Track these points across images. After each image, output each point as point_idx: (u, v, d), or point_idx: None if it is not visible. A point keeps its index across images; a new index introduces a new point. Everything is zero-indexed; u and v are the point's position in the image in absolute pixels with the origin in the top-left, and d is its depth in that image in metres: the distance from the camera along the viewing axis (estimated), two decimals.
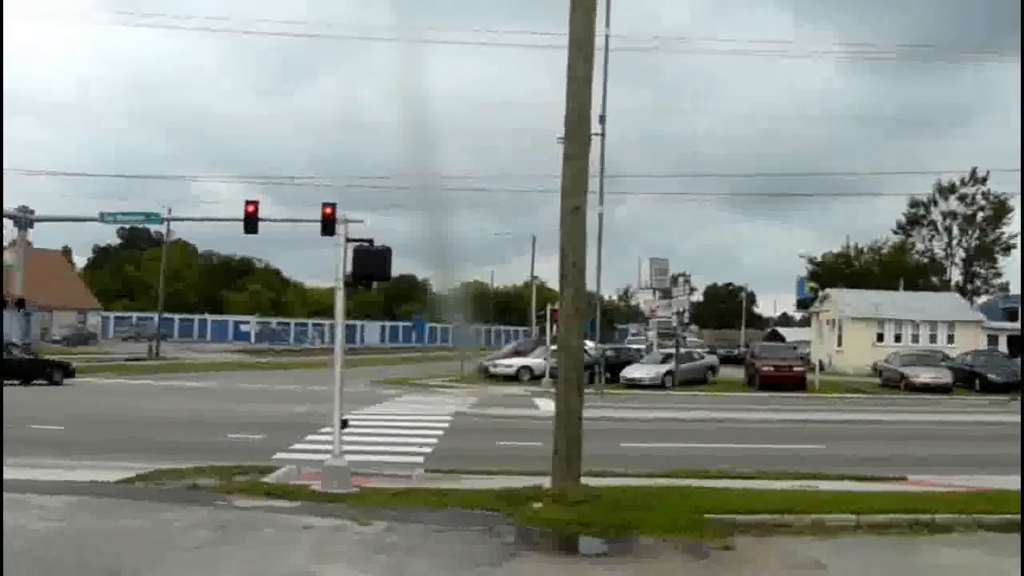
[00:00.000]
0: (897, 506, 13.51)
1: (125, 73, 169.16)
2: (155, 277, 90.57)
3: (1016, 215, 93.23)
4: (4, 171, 33.67)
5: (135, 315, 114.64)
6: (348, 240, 15.11)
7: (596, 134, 32.05)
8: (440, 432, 25.25)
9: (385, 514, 12.88)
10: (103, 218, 52.20)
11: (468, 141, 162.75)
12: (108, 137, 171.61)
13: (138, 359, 67.87)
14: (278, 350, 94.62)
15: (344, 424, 15.13)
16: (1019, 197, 40.72)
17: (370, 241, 15.20)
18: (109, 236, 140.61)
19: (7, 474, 15.87)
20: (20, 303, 52.27)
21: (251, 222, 42.66)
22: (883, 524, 12.76)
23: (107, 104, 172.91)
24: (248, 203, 42.66)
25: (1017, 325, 68.18)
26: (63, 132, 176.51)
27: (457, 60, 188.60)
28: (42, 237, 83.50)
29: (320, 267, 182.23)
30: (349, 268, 15.15)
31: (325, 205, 38.95)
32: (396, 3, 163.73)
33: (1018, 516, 12.65)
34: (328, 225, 38.41)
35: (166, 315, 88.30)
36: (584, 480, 14.42)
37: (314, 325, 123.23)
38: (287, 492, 14.36)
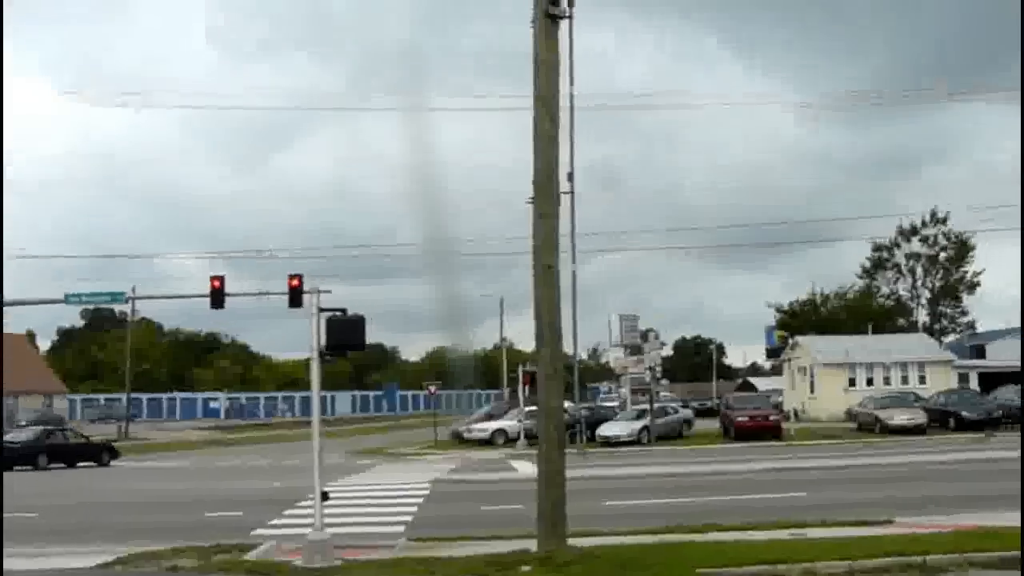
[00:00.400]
0: (888, 549, 13.42)
1: (93, 150, 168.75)
2: (121, 357, 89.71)
3: (977, 254, 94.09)
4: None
5: (103, 396, 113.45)
6: (321, 310, 14.98)
7: (566, 192, 32.06)
8: (420, 500, 24.98)
9: None
10: (68, 299, 51.28)
11: (445, 206, 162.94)
12: (73, 215, 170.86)
13: (108, 441, 67.03)
14: (249, 425, 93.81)
15: (325, 497, 14.90)
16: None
17: (343, 310, 15.07)
18: (73, 318, 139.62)
19: None
20: None
21: (217, 297, 42.29)
22: (876, 569, 12.67)
23: (74, 182, 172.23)
24: (213, 278, 41.99)
25: (986, 363, 68.56)
26: (26, 211, 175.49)
27: (432, 125, 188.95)
28: (5, 320, 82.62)
29: (290, 340, 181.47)
30: (323, 339, 15.01)
31: (291, 276, 38.68)
32: (359, 70, 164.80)
33: (1011, 552, 12.57)
34: (295, 296, 38.20)
35: (134, 395, 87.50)
36: (571, 540, 14.25)
37: (284, 398, 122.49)
38: (269, 569, 14.11)
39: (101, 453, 45.09)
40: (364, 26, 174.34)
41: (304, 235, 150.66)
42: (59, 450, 43.59)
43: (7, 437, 44.33)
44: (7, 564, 15.52)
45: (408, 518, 21.34)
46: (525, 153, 14.57)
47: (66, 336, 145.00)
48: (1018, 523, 13.97)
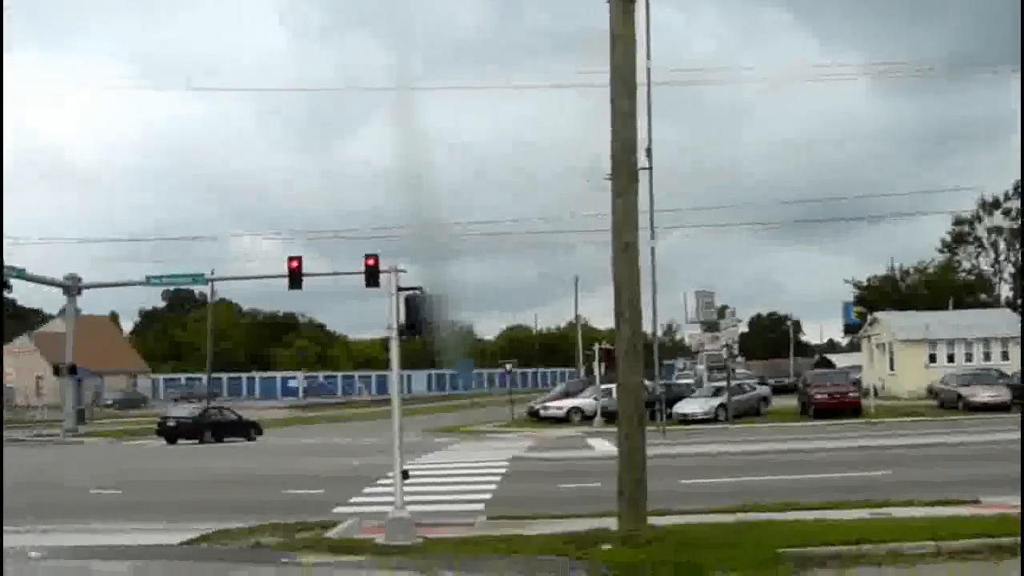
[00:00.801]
0: (976, 530, 13.17)
1: (162, 137, 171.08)
2: (202, 338, 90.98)
3: None
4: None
5: (184, 376, 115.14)
6: (399, 289, 14.99)
7: (644, 168, 31.84)
8: (498, 478, 25.02)
9: (452, 564, 12.68)
10: (149, 281, 52.77)
11: (508, 184, 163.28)
12: (150, 202, 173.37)
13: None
14: (326, 404, 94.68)
15: (405, 475, 14.94)
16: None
17: (420, 289, 15.08)
18: (155, 299, 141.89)
19: (67, 540, 15.90)
20: (72, 369, 52.65)
21: (295, 278, 42.79)
22: (964, 550, 12.44)
23: (150, 167, 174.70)
24: (291, 259, 42.78)
25: None
26: (104, 199, 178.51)
27: (496, 104, 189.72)
28: (90, 303, 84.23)
29: (364, 319, 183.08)
30: (401, 317, 15.02)
31: (367, 256, 39.00)
32: (428, 52, 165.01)
33: None
34: (372, 276, 38.50)
35: (215, 375, 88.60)
36: (650, 519, 14.17)
37: (361, 377, 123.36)
38: (351, 546, 14.19)
39: (249, 429, 48.35)
40: (434, 6, 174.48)
41: (377, 215, 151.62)
42: (218, 426, 47.18)
43: (172, 413, 50.81)
44: (96, 539, 15.84)
45: (487, 496, 21.38)
46: (600, 130, 14.47)
47: (148, 317, 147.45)
48: None
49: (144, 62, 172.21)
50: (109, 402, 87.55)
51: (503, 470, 27.08)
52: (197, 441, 44.89)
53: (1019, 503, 15.51)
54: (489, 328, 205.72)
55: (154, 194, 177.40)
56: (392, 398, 15.51)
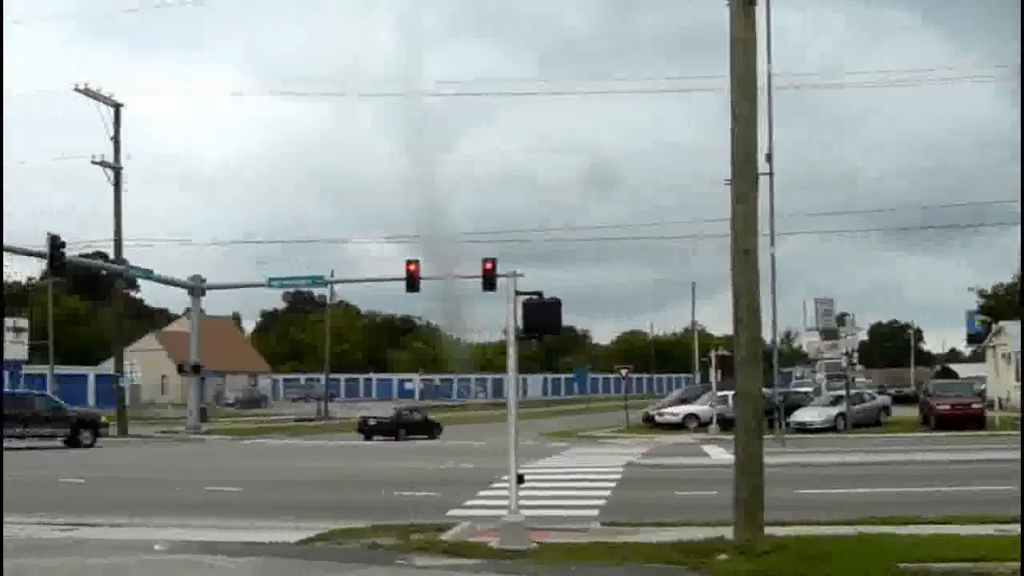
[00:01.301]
0: None
1: (284, 142, 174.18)
2: (321, 339, 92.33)
3: None
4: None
5: (303, 376, 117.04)
6: (517, 293, 14.99)
7: (764, 173, 31.40)
8: (612, 484, 24.90)
9: (565, 570, 12.66)
10: (270, 283, 53.77)
11: (628, 189, 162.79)
12: (272, 206, 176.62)
13: (308, 419, 69.09)
14: (442, 406, 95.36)
15: (520, 479, 14.94)
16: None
17: (539, 294, 15.06)
18: (276, 301, 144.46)
19: (188, 536, 16.23)
20: (196, 368, 53.85)
21: (412, 281, 43.26)
22: None
23: (269, 172, 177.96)
24: (409, 263, 43.35)
25: None
26: (228, 203, 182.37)
27: (612, 108, 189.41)
28: (213, 304, 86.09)
29: (479, 322, 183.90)
30: (519, 322, 15.02)
31: (485, 260, 39.24)
32: (545, 56, 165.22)
33: None
34: (489, 280, 38.78)
35: (332, 375, 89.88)
36: (767, 529, 13.96)
37: (477, 380, 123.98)
38: (465, 550, 14.23)
39: (432, 429, 52.25)
40: (548, 10, 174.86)
41: (490, 220, 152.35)
42: (408, 425, 51.58)
43: (372, 412, 55.64)
44: (215, 535, 16.16)
45: (601, 502, 21.29)
46: (719, 134, 14.34)
47: (269, 318, 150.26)
48: None
49: (265, 69, 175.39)
50: (230, 401, 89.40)
51: (617, 476, 26.96)
52: (393, 438, 49.10)
53: None
54: (605, 333, 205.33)
55: (276, 198, 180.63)
56: (509, 402, 15.53)
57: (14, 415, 39.88)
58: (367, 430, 50.75)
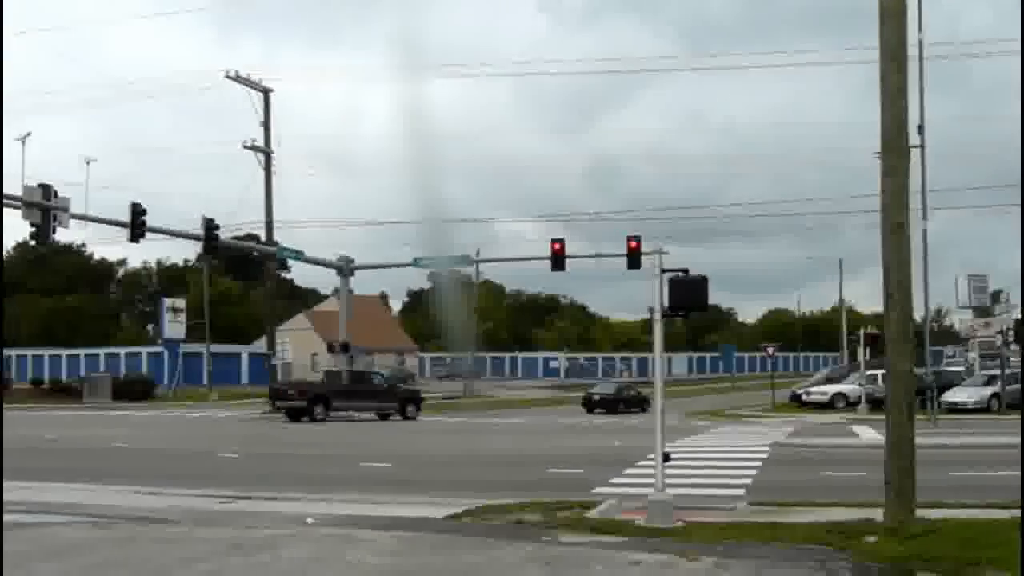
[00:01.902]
0: None
1: (427, 123, 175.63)
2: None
3: None
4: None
5: (449, 355, 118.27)
6: (663, 271, 14.91)
7: (915, 146, 30.63)
8: (759, 463, 24.66)
9: (712, 549, 12.57)
10: (417, 263, 54.38)
11: (770, 166, 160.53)
12: (417, 186, 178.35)
13: (454, 397, 69.86)
14: (587, 384, 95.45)
15: (666, 457, 14.90)
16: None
17: (685, 271, 14.95)
18: (422, 280, 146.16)
19: (338, 510, 16.61)
20: (345, 347, 54.87)
21: (558, 260, 43.41)
22: None
23: (411, 153, 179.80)
24: (554, 241, 43.45)
25: None
26: (374, 184, 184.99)
27: (754, 84, 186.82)
28: (361, 284, 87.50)
29: (624, 301, 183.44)
30: (665, 300, 14.94)
31: (630, 239, 39.19)
32: (687, 32, 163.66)
33: None
34: (634, 258, 38.71)
35: (478, 354, 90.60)
36: (918, 511, 13.67)
37: (621, 359, 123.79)
38: (611, 527, 14.26)
39: (643, 404, 53.84)
40: None
41: (632, 198, 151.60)
42: (627, 400, 55.79)
43: (597, 389, 59.02)
44: (365, 510, 16.50)
45: (747, 481, 21.09)
46: (868, 108, 14.02)
47: (415, 298, 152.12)
48: None
49: (409, 50, 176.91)
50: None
51: (764, 455, 26.67)
52: (613, 413, 52.80)
53: None
54: (750, 311, 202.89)
55: (420, 179, 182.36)
56: (655, 380, 15.49)
57: (361, 390, 47.93)
58: (590, 404, 54.80)
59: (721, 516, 15.24)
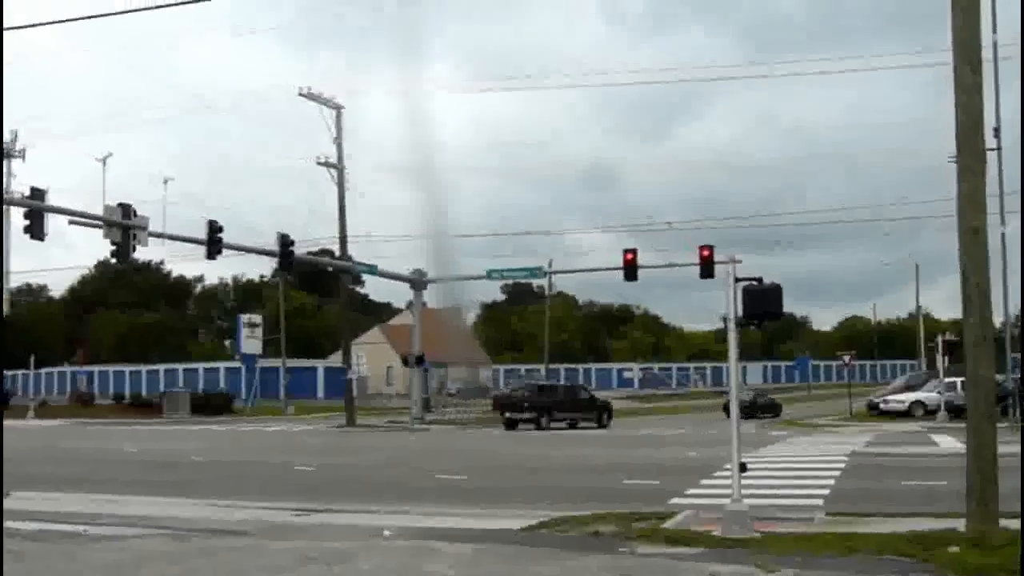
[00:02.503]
0: None
1: (495, 134, 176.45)
2: (540, 329, 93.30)
3: None
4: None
5: (523, 367, 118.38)
6: (736, 279, 14.80)
7: (991, 149, 30.15)
8: (836, 472, 24.37)
9: (791, 560, 12.43)
10: (490, 275, 54.61)
11: (844, 170, 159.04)
12: (488, 198, 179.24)
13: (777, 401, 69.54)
14: (662, 395, 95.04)
15: (743, 468, 14.78)
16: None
17: (759, 279, 14.83)
18: (495, 293, 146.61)
19: (416, 522, 16.67)
20: (419, 359, 55.17)
21: (631, 270, 43.32)
22: None
23: (482, 164, 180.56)
24: (627, 252, 43.42)
25: None
26: (445, 197, 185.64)
27: (826, 87, 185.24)
28: (435, 297, 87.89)
29: (698, 310, 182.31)
30: (739, 308, 14.83)
31: (703, 248, 39.04)
32: (753, 39, 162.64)
33: None
34: (707, 267, 38.53)
35: (552, 365, 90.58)
36: (1002, 522, 13.42)
37: (695, 368, 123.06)
38: (687, 538, 14.15)
39: (778, 408, 60.98)
40: None
41: (702, 206, 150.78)
42: (762, 406, 60.56)
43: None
44: (441, 522, 16.55)
45: (825, 491, 20.85)
46: (943, 109, 13.83)
47: (489, 310, 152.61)
48: None
49: (476, 63, 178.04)
50: (452, 391, 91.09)
51: (842, 465, 26.36)
52: (751, 418, 54.11)
53: None
54: (825, 319, 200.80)
55: (491, 191, 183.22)
56: (731, 389, 15.39)
57: (572, 402, 53.71)
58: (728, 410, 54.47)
59: (799, 527, 15.07)
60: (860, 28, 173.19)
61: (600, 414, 52.98)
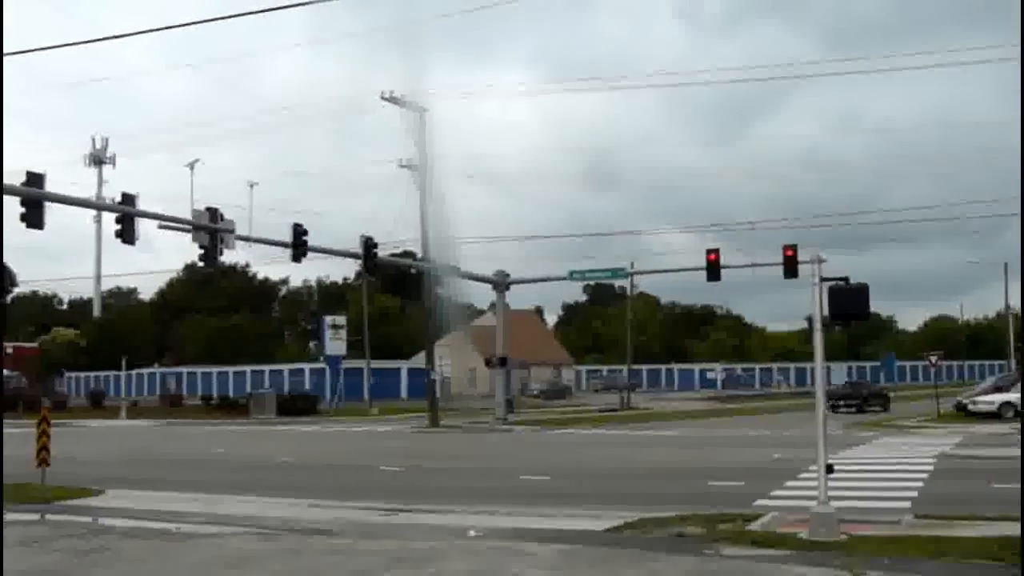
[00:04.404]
0: None
1: (575, 136, 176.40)
2: (622, 330, 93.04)
3: None
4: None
5: (605, 368, 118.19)
6: (822, 280, 14.74)
7: None
8: (924, 475, 24.09)
9: (878, 563, 12.40)
10: (572, 276, 54.63)
11: (930, 167, 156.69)
12: (569, 200, 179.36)
13: (611, 410, 69.75)
14: (745, 396, 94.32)
15: (829, 469, 14.73)
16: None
17: (845, 279, 14.74)
18: (577, 294, 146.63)
19: (500, 522, 16.83)
20: (502, 361, 55.36)
21: (713, 270, 43.12)
22: None
23: (560, 167, 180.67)
24: (710, 252, 43.24)
25: None
26: (526, 199, 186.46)
27: (910, 83, 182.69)
28: (517, 298, 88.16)
29: (781, 310, 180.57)
30: (824, 309, 14.76)
31: (786, 247, 38.72)
32: (831, 33, 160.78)
33: None
34: (791, 267, 38.22)
35: (634, 366, 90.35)
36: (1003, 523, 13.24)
37: (779, 369, 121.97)
38: (773, 540, 14.16)
39: (884, 400, 64.10)
40: None
41: (783, 206, 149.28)
42: (868, 397, 64.14)
43: (838, 390, 65.15)
44: (526, 522, 16.69)
45: (912, 494, 20.64)
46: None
47: (570, 311, 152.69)
48: None
49: (551, 65, 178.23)
50: (535, 392, 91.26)
51: (929, 467, 26.05)
52: (860, 412, 59.78)
53: None
54: (911, 319, 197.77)
55: (574, 193, 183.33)
56: (817, 390, 15.34)
57: (865, 394, 64.72)
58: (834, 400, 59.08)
59: (886, 529, 14.98)
60: (944, 20, 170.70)
61: (885, 402, 63.48)
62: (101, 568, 13.41)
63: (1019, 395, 48.89)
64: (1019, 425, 42.63)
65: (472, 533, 15.51)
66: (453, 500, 20.59)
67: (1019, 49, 13.93)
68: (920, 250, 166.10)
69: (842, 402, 61.17)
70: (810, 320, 15.04)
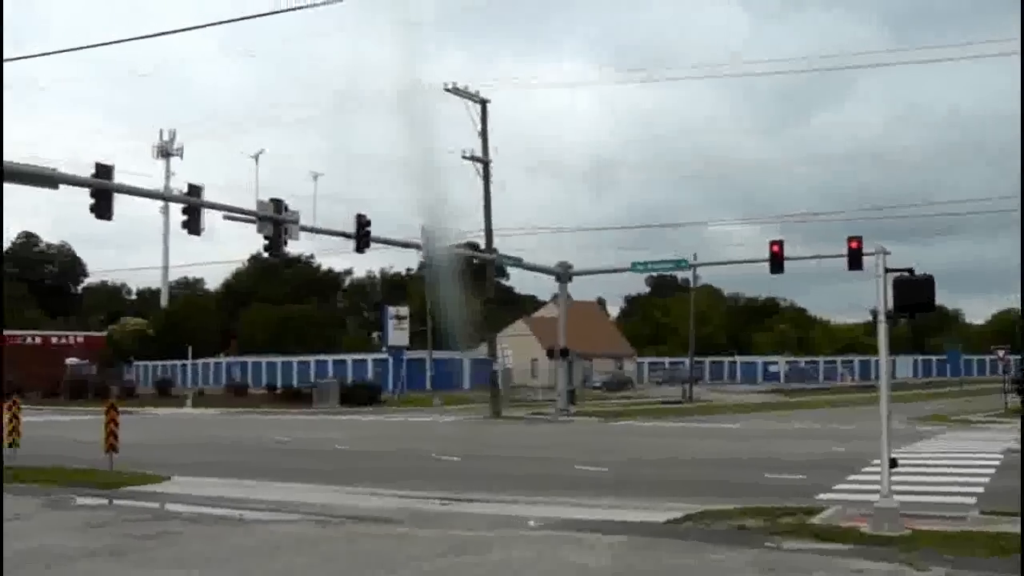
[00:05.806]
0: None
1: (638, 127, 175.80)
2: (684, 322, 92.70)
3: None
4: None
5: (667, 360, 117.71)
6: (887, 271, 14.58)
7: None
8: (991, 470, 23.78)
9: (942, 559, 12.25)
10: (634, 268, 54.49)
11: (998, 157, 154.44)
12: (632, 191, 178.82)
13: (673, 402, 69.53)
14: (808, 389, 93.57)
15: (893, 463, 14.59)
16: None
17: (910, 270, 14.57)
18: (639, 285, 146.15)
19: (558, 513, 16.86)
20: (564, 352, 55.36)
21: (777, 262, 42.84)
22: None
23: (627, 159, 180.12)
24: (773, 243, 42.96)
25: None
26: (588, 190, 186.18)
27: (977, 72, 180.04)
28: (579, 289, 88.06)
29: (844, 302, 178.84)
30: (889, 301, 14.60)
31: (851, 239, 38.39)
32: (892, 21, 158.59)
33: None
34: (855, 258, 37.85)
35: (697, 358, 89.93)
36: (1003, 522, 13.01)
37: (843, 361, 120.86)
38: (834, 534, 14.05)
39: None
40: None
41: (849, 195, 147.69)
42: None
43: None
44: (585, 513, 16.70)
45: (978, 489, 20.38)
46: None
47: (632, 302, 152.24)
48: None
49: (614, 56, 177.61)
50: (597, 384, 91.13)
51: (996, 463, 25.70)
52: None
53: None
54: (978, 312, 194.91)
55: (635, 183, 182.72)
56: (881, 384, 15.18)
57: None
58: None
59: (951, 525, 14.79)
60: (1006, 6, 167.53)
61: None
62: (165, 547, 13.68)
63: None
64: None
65: (531, 523, 15.56)
66: (512, 490, 20.64)
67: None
68: (988, 242, 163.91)
69: None
70: (874, 312, 14.89)
